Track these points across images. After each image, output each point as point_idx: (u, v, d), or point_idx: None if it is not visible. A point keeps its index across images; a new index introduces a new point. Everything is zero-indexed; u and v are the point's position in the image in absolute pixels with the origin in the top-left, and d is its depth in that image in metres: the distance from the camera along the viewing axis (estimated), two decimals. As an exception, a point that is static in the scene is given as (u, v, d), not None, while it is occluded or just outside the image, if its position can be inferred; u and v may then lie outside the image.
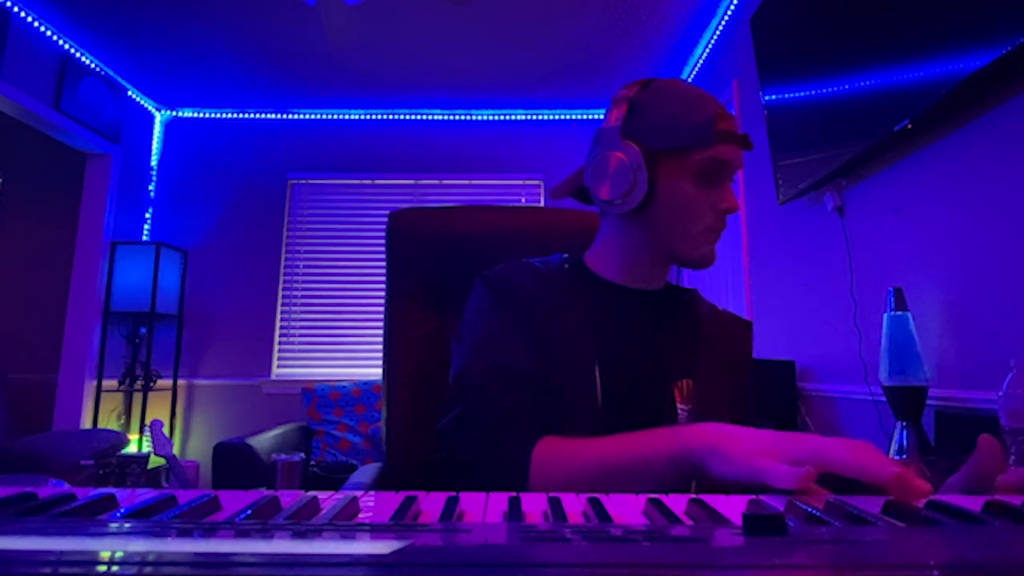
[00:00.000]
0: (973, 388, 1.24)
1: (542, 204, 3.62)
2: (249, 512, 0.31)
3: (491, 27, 2.82)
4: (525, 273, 0.75)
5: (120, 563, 0.20)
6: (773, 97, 1.98)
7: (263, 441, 2.62)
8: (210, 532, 0.26)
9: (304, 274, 3.61)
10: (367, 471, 1.17)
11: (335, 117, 3.73)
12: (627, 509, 0.36)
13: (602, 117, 0.75)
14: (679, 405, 0.71)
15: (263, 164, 3.66)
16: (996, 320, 1.19)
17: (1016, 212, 1.15)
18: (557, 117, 3.72)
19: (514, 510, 0.34)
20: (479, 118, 3.74)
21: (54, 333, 3.24)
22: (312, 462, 2.94)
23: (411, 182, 3.69)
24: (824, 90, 1.68)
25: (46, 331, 3.44)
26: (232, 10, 2.70)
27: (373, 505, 0.36)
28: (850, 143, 1.54)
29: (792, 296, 2.06)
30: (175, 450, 3.27)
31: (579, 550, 0.23)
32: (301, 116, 3.72)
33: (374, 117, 3.73)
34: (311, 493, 0.35)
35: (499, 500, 0.38)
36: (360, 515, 0.34)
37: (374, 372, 3.34)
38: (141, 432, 3.25)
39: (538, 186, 3.68)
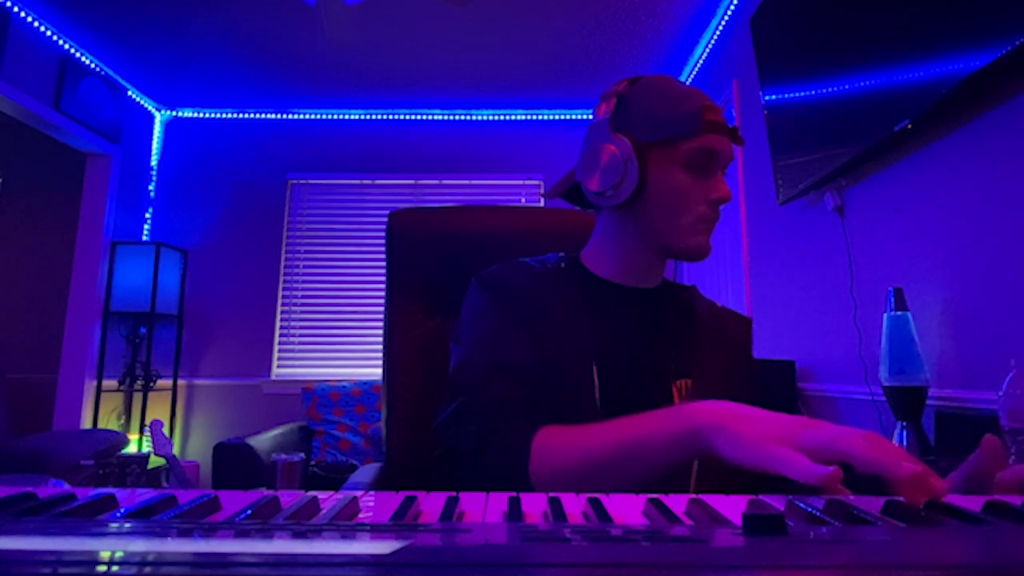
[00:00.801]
0: (973, 388, 1.24)
1: (542, 204, 3.62)
2: (249, 512, 0.31)
3: (491, 27, 2.82)
4: (521, 272, 0.75)
5: (120, 563, 0.20)
6: (773, 97, 1.98)
7: (263, 441, 2.62)
8: (210, 532, 0.26)
9: (304, 274, 3.61)
10: (367, 471, 1.17)
11: (335, 117, 3.73)
12: (627, 509, 0.36)
13: (599, 116, 0.75)
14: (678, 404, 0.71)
15: (263, 164, 3.66)
16: (996, 320, 1.19)
17: (1016, 212, 1.15)
18: (557, 117, 3.73)
19: (514, 510, 0.34)
20: (479, 118, 3.74)
21: (54, 333, 3.24)
22: (312, 462, 2.94)
23: (411, 182, 3.69)
24: (824, 90, 1.68)
25: (46, 331, 3.45)
26: (232, 10, 2.70)
27: (373, 505, 0.36)
28: (850, 143, 1.54)
29: (792, 296, 2.06)
30: (175, 450, 3.27)
31: (579, 550, 0.23)
32: (301, 116, 3.72)
33: (374, 117, 3.73)
34: (311, 493, 0.35)
35: (499, 500, 0.38)
36: (360, 515, 0.34)
37: (374, 372, 3.34)
38: (141, 432, 3.25)
39: (538, 186, 3.68)
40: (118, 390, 3.28)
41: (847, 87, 1.57)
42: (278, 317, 3.54)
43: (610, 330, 0.72)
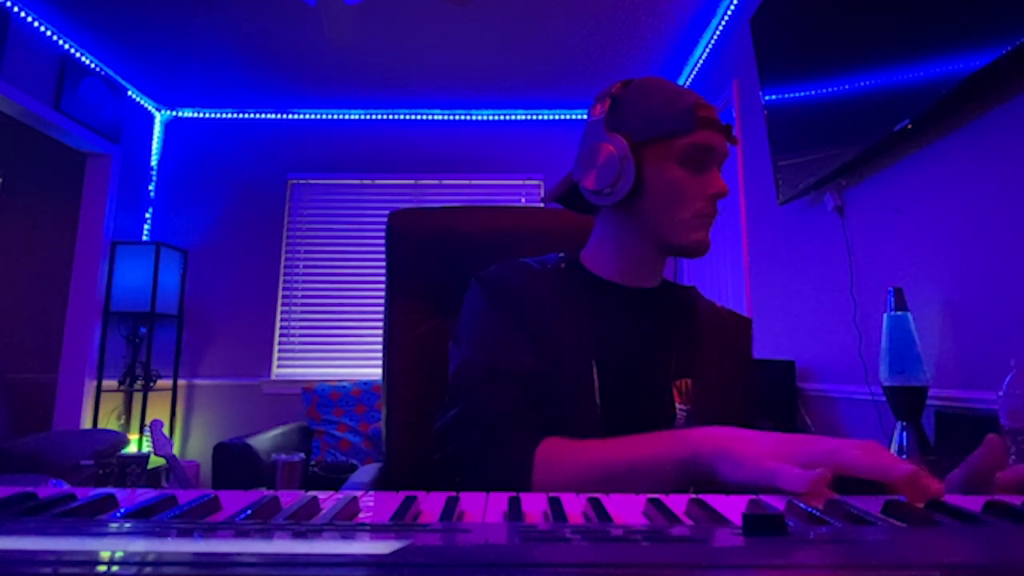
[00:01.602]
0: (973, 388, 1.24)
1: (542, 204, 3.62)
2: (249, 512, 0.31)
3: (491, 27, 2.82)
4: (521, 272, 0.75)
5: (120, 563, 0.20)
6: (773, 97, 1.98)
7: (263, 441, 2.62)
8: (210, 532, 0.26)
9: (304, 274, 3.61)
10: (367, 471, 1.17)
11: (335, 117, 3.73)
12: (627, 509, 0.36)
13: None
14: (678, 405, 0.71)
15: (263, 164, 3.66)
16: (996, 320, 1.19)
17: (1016, 212, 1.15)
18: (557, 117, 3.73)
19: (514, 510, 0.34)
20: (479, 118, 3.74)
21: (54, 333, 3.24)
22: (312, 462, 2.94)
23: (411, 182, 3.69)
24: (824, 90, 1.68)
25: (46, 331, 3.44)
26: (232, 10, 2.70)
27: (373, 505, 0.36)
28: (850, 143, 1.54)
29: (792, 296, 2.06)
30: (175, 450, 3.27)
31: (579, 550, 0.23)
32: (301, 116, 3.72)
33: (374, 117, 3.73)
34: (311, 493, 0.35)
35: (499, 500, 0.38)
36: (360, 515, 0.34)
37: (374, 372, 3.34)
38: (141, 432, 3.25)
39: (538, 186, 3.68)
40: (118, 390, 3.28)
41: (847, 87, 1.57)
42: (278, 317, 3.54)
43: (610, 330, 0.72)
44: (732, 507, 0.35)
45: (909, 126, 1.32)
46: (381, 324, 1.01)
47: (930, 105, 1.25)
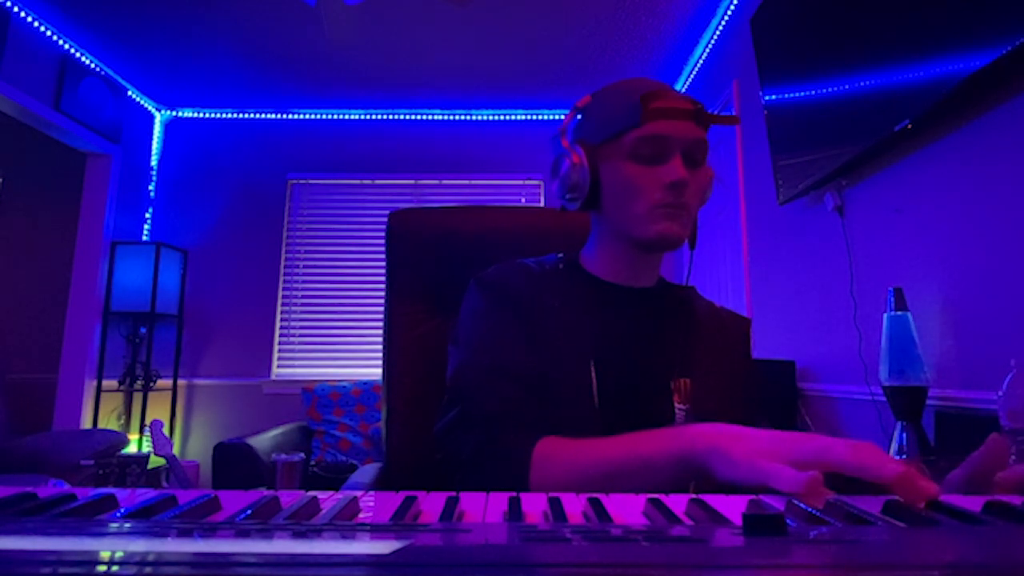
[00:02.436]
0: (973, 388, 1.24)
1: (542, 204, 3.62)
2: (249, 512, 0.31)
3: (491, 27, 2.82)
4: (519, 273, 0.75)
5: (120, 563, 0.20)
6: (773, 97, 1.98)
7: (263, 441, 2.62)
8: (210, 532, 0.26)
9: (304, 274, 3.61)
10: (367, 471, 1.17)
11: (335, 117, 3.73)
12: (627, 509, 0.36)
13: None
14: (677, 404, 0.71)
15: (263, 164, 3.66)
16: (996, 320, 1.19)
17: (1016, 212, 1.15)
18: (557, 117, 3.72)
19: (514, 510, 0.34)
20: (479, 118, 3.74)
21: (54, 333, 3.24)
22: (312, 462, 2.94)
23: (411, 182, 3.69)
24: (824, 90, 1.68)
25: (46, 331, 3.44)
26: (232, 10, 2.70)
27: (373, 505, 0.36)
28: (850, 143, 1.54)
29: (792, 296, 2.06)
30: (175, 450, 3.27)
31: (579, 550, 0.23)
32: (301, 116, 3.72)
33: (374, 117, 3.73)
34: (311, 493, 0.35)
35: (499, 500, 0.38)
36: (360, 515, 0.34)
37: (374, 372, 3.34)
38: (141, 432, 3.25)
39: (538, 186, 3.68)
40: (118, 390, 3.28)
41: (847, 87, 1.57)
42: (278, 317, 3.54)
43: (607, 329, 0.72)
44: (732, 507, 0.35)
45: (909, 126, 1.32)
46: (381, 324, 1.01)
47: (930, 105, 1.25)
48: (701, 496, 0.37)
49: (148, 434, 3.18)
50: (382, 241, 1.00)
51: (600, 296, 0.75)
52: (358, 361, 3.50)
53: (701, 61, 2.97)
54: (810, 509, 0.32)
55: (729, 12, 2.58)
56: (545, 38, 2.91)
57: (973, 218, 1.25)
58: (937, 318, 1.35)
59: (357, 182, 3.68)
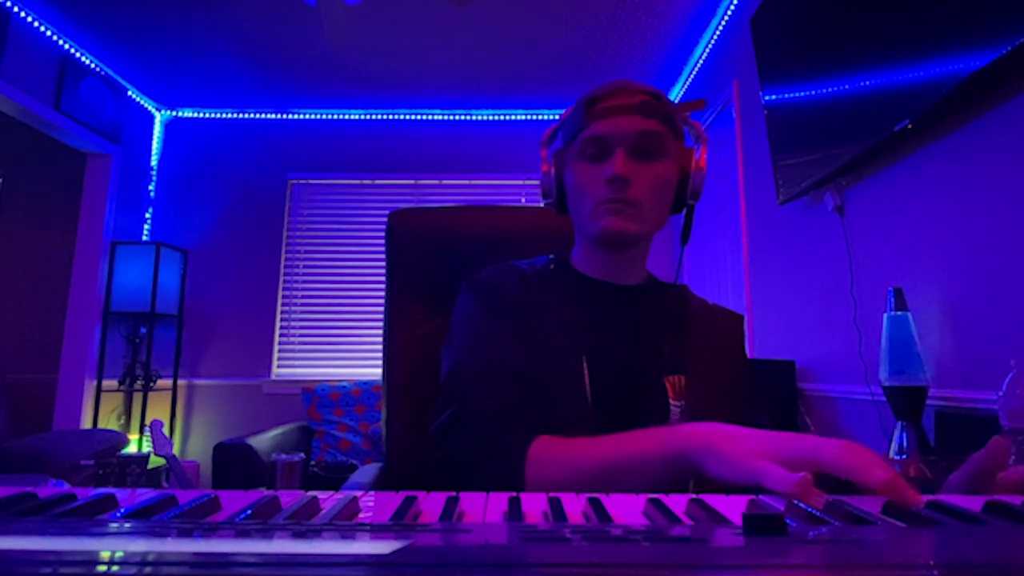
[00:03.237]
0: (973, 388, 1.24)
1: (542, 204, 3.61)
2: (249, 512, 0.31)
3: (491, 27, 2.82)
4: (510, 274, 0.76)
5: (120, 563, 0.20)
6: (773, 97, 1.98)
7: (263, 441, 2.62)
8: (210, 532, 0.26)
9: (304, 274, 3.61)
10: (367, 471, 1.17)
11: (335, 117, 3.73)
12: (627, 509, 0.36)
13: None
14: (672, 401, 0.71)
15: (263, 164, 3.66)
16: (996, 320, 1.19)
17: (1016, 212, 1.15)
18: (557, 117, 3.71)
19: (514, 510, 0.34)
20: (479, 118, 3.73)
21: (54, 333, 3.24)
22: (312, 462, 2.94)
23: (411, 182, 3.69)
24: (824, 90, 1.68)
25: (46, 331, 3.44)
26: (232, 10, 2.70)
27: (373, 505, 0.36)
28: (850, 143, 1.54)
29: (792, 296, 2.06)
30: (175, 450, 3.27)
31: (579, 550, 0.23)
32: (301, 116, 3.72)
33: (374, 117, 3.73)
34: (311, 493, 0.35)
35: (499, 500, 0.38)
36: (360, 515, 0.34)
37: (374, 372, 3.34)
38: (141, 432, 3.25)
39: (538, 186, 3.67)
40: (118, 390, 3.28)
41: (847, 87, 1.57)
42: (278, 317, 3.54)
43: (599, 326, 0.73)
44: (732, 507, 0.35)
45: (909, 126, 1.32)
46: (381, 324, 1.01)
47: (930, 105, 1.25)
48: (701, 496, 0.37)
49: (148, 434, 3.18)
50: (382, 241, 1.00)
51: (589, 293, 0.76)
52: (358, 361, 3.50)
53: (701, 61, 2.97)
54: (810, 509, 0.32)
55: (729, 12, 2.58)
56: (545, 38, 2.91)
57: (973, 218, 1.25)
58: (937, 318, 1.35)
59: (357, 182, 3.68)
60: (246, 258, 3.57)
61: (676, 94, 3.34)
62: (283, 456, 1.93)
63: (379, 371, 1.33)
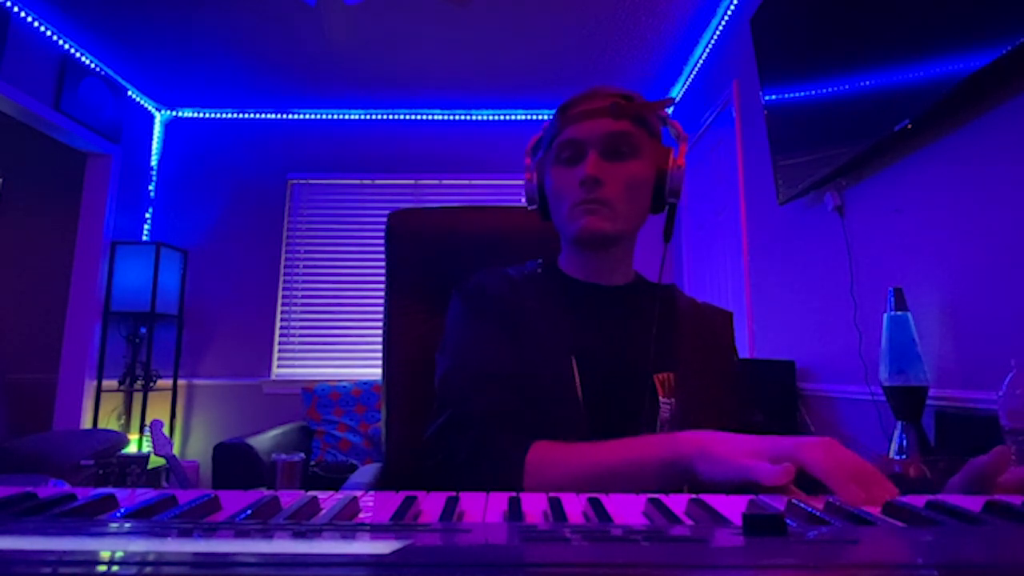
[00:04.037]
0: (973, 388, 1.24)
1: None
2: (249, 512, 0.31)
3: (491, 27, 2.82)
4: (498, 280, 0.78)
5: (120, 563, 0.20)
6: (773, 97, 1.98)
7: (263, 441, 2.62)
8: (210, 532, 0.26)
9: (304, 274, 3.61)
10: (367, 471, 1.17)
11: (335, 117, 3.73)
12: (627, 509, 0.36)
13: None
14: (661, 399, 0.71)
15: (263, 164, 3.66)
16: (996, 320, 1.19)
17: (1016, 212, 1.15)
18: (557, 117, 3.72)
19: (514, 510, 0.34)
20: (479, 118, 3.73)
21: (54, 333, 3.24)
22: (312, 462, 2.94)
23: (411, 182, 3.69)
24: (824, 90, 1.68)
25: (46, 331, 3.44)
26: (232, 10, 2.70)
27: (373, 505, 0.36)
28: (850, 143, 1.54)
29: (792, 296, 2.06)
30: (175, 450, 3.27)
31: (579, 550, 0.23)
32: (301, 116, 3.72)
33: (374, 117, 3.73)
34: (311, 493, 0.35)
35: (499, 500, 0.38)
36: (360, 515, 0.34)
37: (374, 372, 3.34)
38: (141, 432, 3.25)
39: (538, 186, 3.67)
40: (118, 390, 3.28)
41: (847, 87, 1.57)
42: (278, 317, 3.54)
43: (587, 326, 0.74)
44: (732, 507, 0.35)
45: (909, 126, 1.32)
46: (381, 324, 1.01)
47: (930, 105, 1.25)
48: (701, 496, 0.37)
49: (148, 434, 3.18)
50: (382, 241, 1.00)
51: (577, 295, 0.77)
52: (358, 361, 3.50)
53: (701, 61, 2.97)
54: (810, 509, 0.32)
55: (729, 12, 2.58)
56: (545, 38, 2.91)
57: (973, 218, 1.25)
58: (937, 318, 1.35)
59: (357, 182, 3.68)
60: (246, 258, 3.57)
61: (676, 94, 3.34)
62: (283, 456, 1.93)
63: (379, 371, 1.32)
